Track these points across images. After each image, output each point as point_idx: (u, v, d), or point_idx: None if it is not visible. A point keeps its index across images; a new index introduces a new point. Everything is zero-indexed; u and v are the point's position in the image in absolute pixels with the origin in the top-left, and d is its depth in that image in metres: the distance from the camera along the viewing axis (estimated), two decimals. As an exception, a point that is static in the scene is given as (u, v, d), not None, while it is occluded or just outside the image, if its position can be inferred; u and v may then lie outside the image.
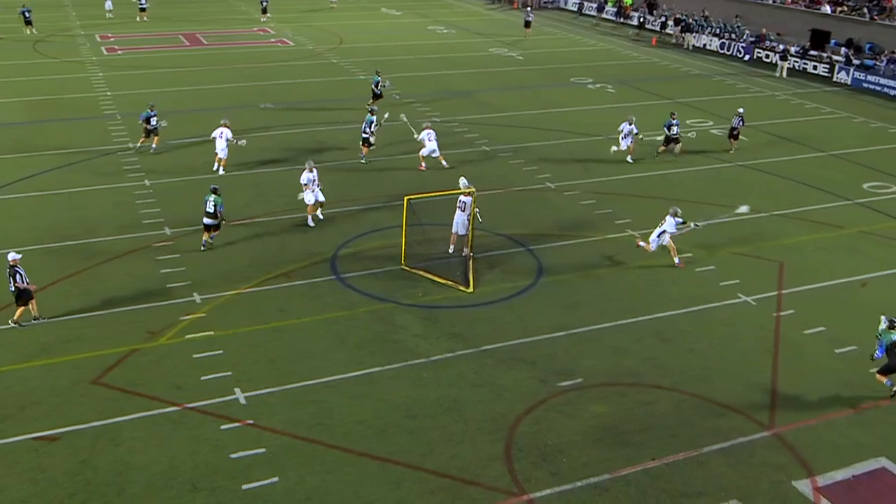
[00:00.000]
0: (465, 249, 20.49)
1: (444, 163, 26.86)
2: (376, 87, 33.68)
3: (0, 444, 13.64)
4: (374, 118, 27.10)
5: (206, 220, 20.59)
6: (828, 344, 17.44)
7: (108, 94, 35.62)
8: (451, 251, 20.74)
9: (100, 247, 20.92)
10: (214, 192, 20.61)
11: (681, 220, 20.32)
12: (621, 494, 12.88)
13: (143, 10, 54.85)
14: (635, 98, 37.97)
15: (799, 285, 20.03)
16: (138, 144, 28.14)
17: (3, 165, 26.67)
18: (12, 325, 17.03)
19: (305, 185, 22.20)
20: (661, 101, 37.57)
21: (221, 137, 25.74)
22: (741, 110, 30.54)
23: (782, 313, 18.67)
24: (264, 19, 55.71)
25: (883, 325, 15.75)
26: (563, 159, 28.63)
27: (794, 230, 23.37)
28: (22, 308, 17.10)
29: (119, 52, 44.61)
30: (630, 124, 28.24)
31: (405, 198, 19.82)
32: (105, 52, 44.36)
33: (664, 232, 20.46)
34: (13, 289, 16.90)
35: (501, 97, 37.21)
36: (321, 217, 22.66)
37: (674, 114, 29.31)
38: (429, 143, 26.72)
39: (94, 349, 16.42)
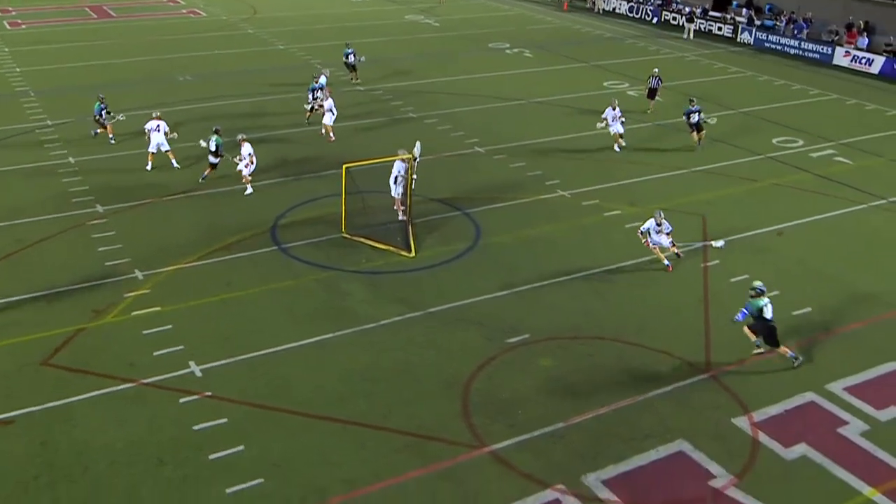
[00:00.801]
0: (401, 215, 20.81)
1: (332, 136, 26.86)
2: (347, 58, 32.86)
3: (-49, 431, 13.43)
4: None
5: (212, 159, 22.69)
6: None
7: (17, 70, 34.31)
8: (400, 217, 20.99)
9: (28, 228, 20.42)
10: (216, 132, 22.57)
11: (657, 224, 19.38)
12: (576, 441, 13.58)
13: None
14: (553, 62, 38.73)
15: (720, 237, 21.08)
16: (96, 132, 26.48)
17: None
18: None
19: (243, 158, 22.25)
20: (578, 65, 38.46)
21: (158, 131, 23.84)
22: (657, 70, 31.37)
23: (708, 264, 19.70)
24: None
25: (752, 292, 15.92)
26: (490, 124, 29.12)
27: (712, 185, 24.50)
28: None
29: (22, 26, 42.88)
30: (614, 108, 26.43)
31: (343, 165, 19.98)
32: (7, 27, 42.57)
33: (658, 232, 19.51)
34: None
35: (422, 64, 37.41)
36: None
37: (692, 99, 27.54)
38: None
39: (38, 331, 16.16)
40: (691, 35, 45.80)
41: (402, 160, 20.47)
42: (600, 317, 17.32)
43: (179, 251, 19.40)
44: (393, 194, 20.93)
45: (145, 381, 14.76)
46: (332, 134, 26.71)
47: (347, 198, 20.18)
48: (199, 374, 15.00)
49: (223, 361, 15.39)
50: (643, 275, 19.12)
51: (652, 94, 30.87)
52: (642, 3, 51.88)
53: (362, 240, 20.09)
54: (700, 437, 13.78)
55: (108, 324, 16.53)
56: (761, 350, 16.03)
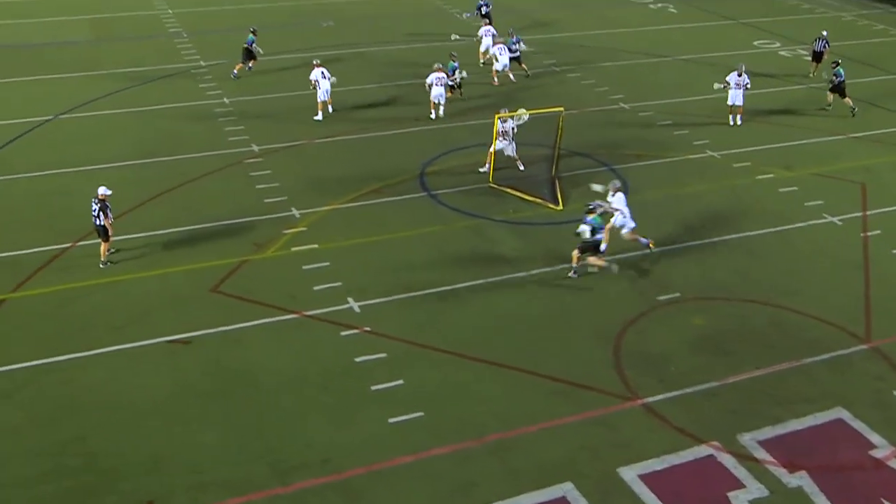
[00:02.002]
0: (521, 165, 20.94)
1: (512, 77, 27.11)
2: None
3: (134, 346, 14.43)
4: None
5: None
6: (917, 263, 17.77)
7: (170, 12, 35.72)
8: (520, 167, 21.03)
9: (190, 163, 21.47)
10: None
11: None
12: (730, 400, 13.47)
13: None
14: (699, 18, 37.50)
15: (882, 207, 20.19)
16: (235, 71, 27.55)
17: (79, 83, 27.12)
18: (102, 267, 16.62)
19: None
20: (725, 22, 37.10)
21: (325, 77, 24.11)
22: (825, 33, 29.54)
23: (869, 233, 18.93)
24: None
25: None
26: (634, 80, 28.57)
27: (872, 152, 23.38)
28: (105, 245, 16.65)
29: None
30: (740, 74, 24.34)
31: (495, 115, 20.10)
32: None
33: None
34: (100, 224, 16.31)
35: (561, 16, 36.88)
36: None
37: (837, 62, 26.00)
38: (501, 56, 26.90)
39: (206, 260, 17.11)
40: (848, -7, 43.30)
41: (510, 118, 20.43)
42: (753, 279, 16.96)
43: (332, 192, 20.02)
44: (508, 152, 20.80)
45: (307, 312, 15.45)
46: (496, 79, 27.33)
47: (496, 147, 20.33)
48: (357, 309, 15.58)
49: (379, 299, 15.92)
50: (799, 240, 18.54)
51: (818, 56, 29.14)
52: (794, -40, 49.31)
53: (509, 190, 20.23)
54: (860, 406, 13.43)
55: (269, 258, 17.32)
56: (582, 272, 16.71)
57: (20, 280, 16.26)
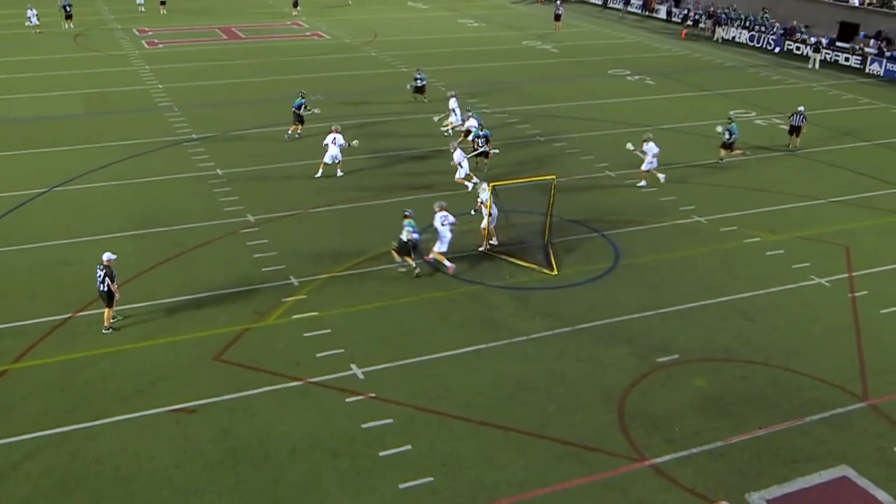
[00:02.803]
0: (490, 242, 21.07)
1: (339, 171, 26.61)
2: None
3: (141, 415, 14.39)
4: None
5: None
6: (905, 322, 18.21)
7: (160, 86, 36.31)
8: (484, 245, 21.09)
9: (189, 233, 21.64)
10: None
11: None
12: (736, 459, 13.64)
13: (163, 3, 55.57)
14: (676, 90, 38.72)
15: (867, 268, 20.75)
16: (289, 131, 29.26)
17: (76, 155, 27.40)
18: (105, 332, 16.73)
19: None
20: (701, 93, 38.34)
21: (335, 144, 25.38)
22: (802, 108, 30.06)
23: (856, 294, 19.41)
24: (295, 13, 56.34)
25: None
26: (619, 149, 29.21)
27: (854, 216, 24.10)
28: (109, 311, 16.75)
29: (160, 45, 45.29)
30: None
31: (490, 184, 20.56)
32: (146, 46, 45.04)
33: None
34: (105, 290, 16.42)
35: (544, 88, 37.94)
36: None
37: (731, 119, 28.46)
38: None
39: (208, 328, 17.16)
40: (817, 65, 45.05)
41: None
42: (750, 340, 17.30)
43: (330, 260, 20.25)
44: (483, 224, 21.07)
45: (312, 379, 15.50)
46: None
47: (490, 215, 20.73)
48: (361, 376, 15.66)
49: (383, 365, 16.02)
50: (790, 301, 18.97)
51: (796, 130, 29.70)
52: (764, 33, 51.29)
53: (504, 256, 20.57)
54: (863, 463, 13.65)
55: (270, 325, 17.41)
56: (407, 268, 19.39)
57: (22, 350, 16.21)
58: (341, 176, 25.74)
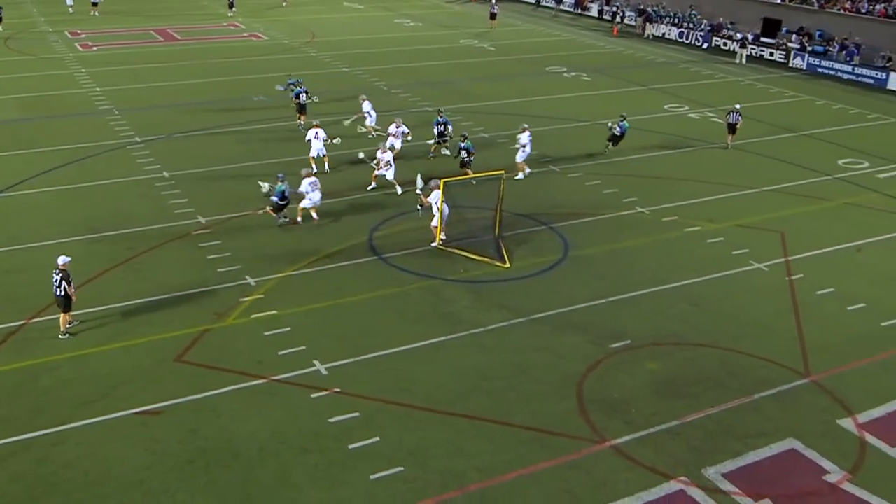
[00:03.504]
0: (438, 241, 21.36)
1: (326, 167, 26.85)
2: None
3: (106, 419, 14.35)
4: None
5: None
6: (840, 302, 19.18)
7: (98, 90, 35.67)
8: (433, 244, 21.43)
9: (139, 236, 21.47)
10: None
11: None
12: (692, 437, 14.28)
13: (94, 4, 54.47)
14: (612, 86, 39.66)
15: (801, 252, 21.77)
16: (301, 123, 30.19)
17: (14, 162, 26.83)
18: (62, 338, 16.59)
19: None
20: (636, 88, 39.36)
21: (317, 139, 26.00)
22: (738, 106, 30.69)
23: (793, 277, 20.36)
24: (231, 14, 55.79)
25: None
26: (561, 144, 30.02)
27: (786, 203, 25.18)
28: (65, 316, 16.64)
29: (94, 48, 44.41)
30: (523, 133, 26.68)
31: (442, 181, 20.92)
32: (80, 49, 44.12)
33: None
34: (62, 294, 16.27)
35: (484, 86, 38.46)
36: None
37: (623, 116, 28.98)
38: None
39: (166, 331, 17.14)
40: (744, 60, 46.61)
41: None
42: (697, 325, 18.03)
43: (284, 260, 20.35)
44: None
45: (276, 377, 15.65)
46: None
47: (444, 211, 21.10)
48: (324, 372, 15.87)
49: (345, 361, 16.25)
50: (732, 286, 19.81)
51: (732, 128, 30.07)
52: (692, 30, 52.82)
53: (457, 251, 20.96)
54: (809, 436, 14.44)
55: (230, 325, 17.47)
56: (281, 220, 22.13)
57: (-24, 360, 15.98)
58: (328, 172, 26.12)
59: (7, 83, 36.59)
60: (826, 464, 13.76)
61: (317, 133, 26.13)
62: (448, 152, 27.42)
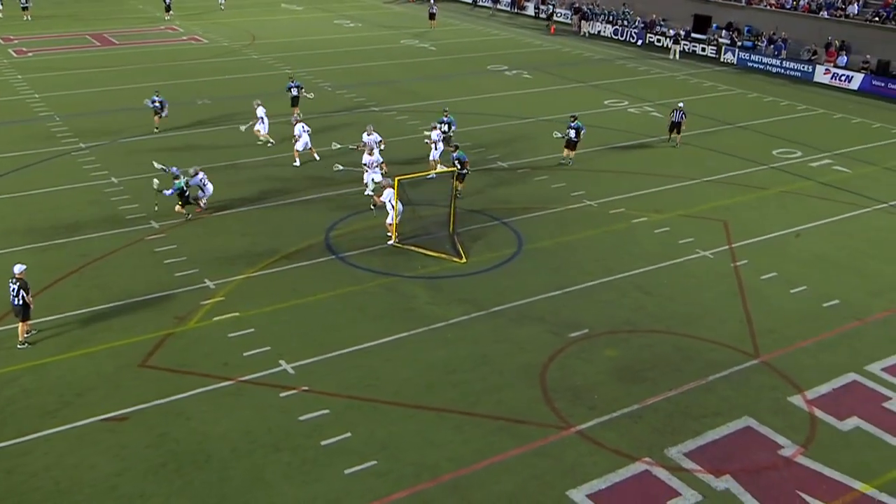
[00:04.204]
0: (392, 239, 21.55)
1: (315, 156, 27.59)
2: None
3: (72, 427, 14.24)
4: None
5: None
6: (782, 286, 20.03)
7: (37, 96, 34.93)
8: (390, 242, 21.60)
9: (91, 244, 21.21)
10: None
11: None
12: (653, 419, 14.83)
13: (25, 9, 53.20)
14: (552, 83, 40.39)
15: (744, 239, 22.62)
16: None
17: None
18: (20, 347, 16.38)
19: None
20: (576, 84, 40.16)
21: (305, 132, 27.05)
22: (681, 105, 30.89)
23: (738, 263, 21.17)
24: (168, 17, 55.00)
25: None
26: (507, 140, 30.51)
27: (726, 193, 26.09)
28: (24, 325, 16.46)
29: (29, 54, 43.38)
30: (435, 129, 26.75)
31: (395, 178, 21.16)
32: (14, 55, 43.05)
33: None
34: (19, 303, 16.10)
35: (428, 86, 38.78)
36: None
37: (574, 116, 28.19)
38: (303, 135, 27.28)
39: (128, 336, 17.03)
40: (677, 56, 47.88)
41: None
42: (650, 312, 18.65)
43: (242, 261, 20.36)
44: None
45: (242, 378, 15.72)
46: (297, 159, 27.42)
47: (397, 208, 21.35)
48: (291, 371, 15.99)
49: (311, 359, 16.39)
50: (681, 273, 20.51)
51: (675, 127, 30.38)
52: (626, 27, 53.98)
53: (413, 248, 21.23)
54: (762, 413, 15.13)
55: (192, 329, 17.45)
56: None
57: (-67, 373, 15.68)
58: (318, 160, 27.28)
59: (-63, 91, 35.60)
60: (780, 439, 14.44)
61: (304, 126, 27.07)
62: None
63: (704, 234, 22.85)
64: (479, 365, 16.41)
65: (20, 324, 16.41)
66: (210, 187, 23.30)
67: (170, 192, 22.10)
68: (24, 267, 16.46)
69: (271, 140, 28.99)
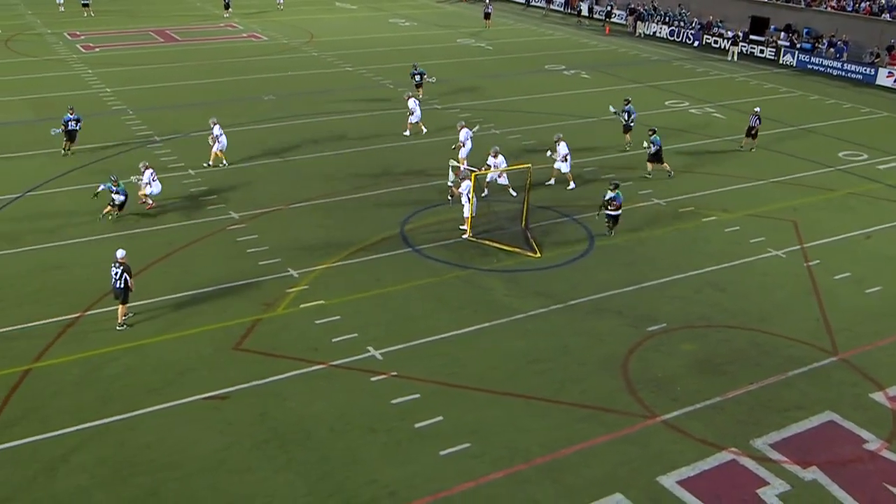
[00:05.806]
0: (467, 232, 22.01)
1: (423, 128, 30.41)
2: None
3: (177, 404, 14.91)
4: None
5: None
6: (856, 286, 20.13)
7: (108, 90, 35.96)
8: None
9: (175, 233, 21.95)
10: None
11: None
12: (736, 411, 15.11)
13: (86, 6, 54.49)
14: (611, 83, 40.57)
15: (814, 240, 22.70)
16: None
17: (38, 162, 27.13)
18: (119, 329, 17.14)
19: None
20: (634, 85, 40.26)
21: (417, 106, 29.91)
22: (758, 109, 30.41)
23: (810, 263, 21.29)
24: (227, 15, 56.07)
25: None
26: (570, 140, 30.55)
27: (793, 194, 26.15)
28: (123, 307, 17.21)
29: (96, 49, 44.59)
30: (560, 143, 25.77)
31: (472, 173, 21.62)
32: (82, 50, 44.27)
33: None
34: (121, 286, 16.88)
35: (487, 84, 39.17)
36: None
37: (653, 130, 27.13)
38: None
39: (219, 321, 17.69)
40: (735, 57, 47.75)
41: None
42: (725, 308, 18.88)
43: (322, 252, 20.95)
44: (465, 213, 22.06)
45: (333, 363, 16.28)
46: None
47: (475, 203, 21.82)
48: (379, 357, 16.51)
49: (397, 347, 16.90)
50: (753, 271, 20.70)
51: (751, 131, 29.97)
52: (682, 28, 53.91)
53: (487, 242, 21.66)
54: (844, 408, 15.33)
55: (280, 315, 18.06)
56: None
57: (39, 350, 16.43)
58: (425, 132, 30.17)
59: (15, 84, 36.77)
60: (864, 433, 14.63)
61: (416, 102, 30.18)
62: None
63: (775, 233, 22.97)
64: (560, 355, 16.79)
65: (120, 306, 17.14)
66: (158, 185, 23.04)
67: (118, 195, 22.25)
68: (125, 252, 17.19)
69: (224, 161, 27.05)
